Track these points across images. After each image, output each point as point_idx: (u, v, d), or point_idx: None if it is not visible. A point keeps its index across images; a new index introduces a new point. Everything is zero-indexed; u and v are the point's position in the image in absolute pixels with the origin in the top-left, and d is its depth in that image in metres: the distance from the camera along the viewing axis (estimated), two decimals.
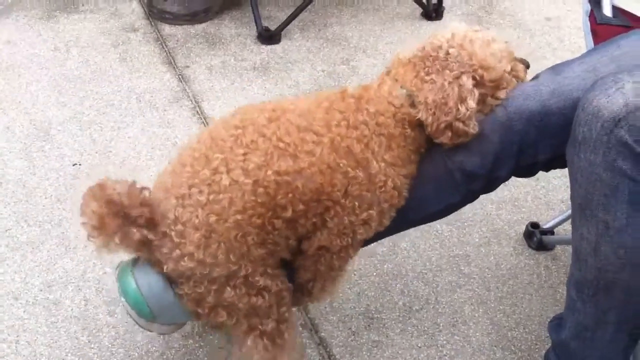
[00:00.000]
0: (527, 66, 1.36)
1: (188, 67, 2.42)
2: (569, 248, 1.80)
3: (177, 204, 1.16)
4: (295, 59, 2.51)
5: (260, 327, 1.26)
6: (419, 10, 2.82)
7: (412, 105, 1.25)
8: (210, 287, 1.19)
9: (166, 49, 2.49)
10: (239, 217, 1.15)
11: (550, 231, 1.83)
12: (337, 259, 1.28)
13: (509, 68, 1.29)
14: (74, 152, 2.01)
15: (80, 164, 1.97)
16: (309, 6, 2.61)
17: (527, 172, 1.38)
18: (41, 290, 1.62)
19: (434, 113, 1.23)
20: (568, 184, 1.95)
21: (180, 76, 2.36)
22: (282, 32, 2.61)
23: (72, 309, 1.58)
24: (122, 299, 1.24)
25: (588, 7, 1.62)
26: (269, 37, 2.58)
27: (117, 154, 2.02)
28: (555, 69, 1.33)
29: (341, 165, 1.20)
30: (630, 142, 1.06)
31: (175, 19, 2.64)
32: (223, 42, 2.57)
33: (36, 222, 1.78)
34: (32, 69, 2.34)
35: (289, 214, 1.18)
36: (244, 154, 1.17)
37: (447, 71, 1.24)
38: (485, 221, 1.89)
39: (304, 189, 1.18)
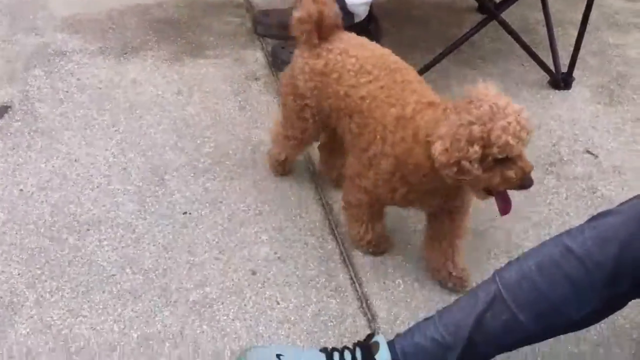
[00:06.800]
0: (523, 186, 1.50)
1: None
2: None
3: None
4: None
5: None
6: (547, 78, 2.71)
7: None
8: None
9: None
10: None
11: None
12: None
13: (500, 156, 1.44)
14: (186, 200, 2.02)
15: (190, 213, 1.97)
16: (434, 67, 2.55)
17: None
18: (138, 344, 1.60)
19: (447, 149, 1.43)
20: None
21: None
22: None
23: None
24: None
25: None
26: None
27: (227, 205, 2.01)
28: None
29: None
30: None
31: None
32: None
33: (141, 270, 1.79)
34: (153, 110, 2.39)
35: None
36: None
37: (465, 114, 1.44)
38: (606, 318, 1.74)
39: None
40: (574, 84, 2.69)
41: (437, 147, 1.45)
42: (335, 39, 1.80)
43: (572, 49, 2.65)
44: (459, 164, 1.44)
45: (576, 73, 2.69)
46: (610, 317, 1.73)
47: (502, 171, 1.47)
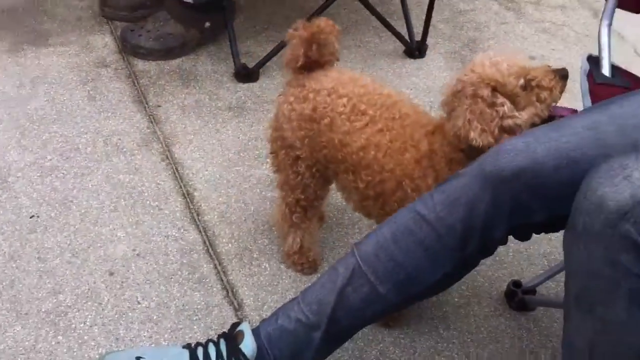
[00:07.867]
0: (563, 76, 1.38)
1: (160, 106, 2.31)
2: (550, 310, 1.73)
3: None
4: (273, 98, 2.40)
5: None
6: (402, 47, 2.74)
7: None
8: None
9: (137, 87, 2.38)
10: None
11: (532, 290, 1.74)
12: None
13: (520, 82, 1.36)
14: (33, 203, 1.89)
15: (38, 216, 1.85)
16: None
17: (522, 235, 1.29)
18: None
19: (483, 129, 1.35)
20: (549, 236, 1.88)
21: (151, 116, 2.26)
22: (260, 70, 2.51)
23: None
24: None
25: (587, 66, 1.54)
26: (246, 75, 2.48)
27: (78, 204, 1.90)
28: (551, 126, 1.25)
29: None
30: (636, 237, 0.96)
31: (149, 54, 2.53)
32: (198, 79, 2.47)
33: None
34: None
35: None
36: None
37: (461, 97, 1.37)
38: (465, 278, 1.76)
39: None
40: (427, 52, 2.74)
41: (474, 136, 1.36)
42: (322, 76, 1.58)
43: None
44: (503, 128, 1.36)
45: (430, 41, 2.73)
46: (470, 277, 1.79)
47: (537, 88, 1.37)
